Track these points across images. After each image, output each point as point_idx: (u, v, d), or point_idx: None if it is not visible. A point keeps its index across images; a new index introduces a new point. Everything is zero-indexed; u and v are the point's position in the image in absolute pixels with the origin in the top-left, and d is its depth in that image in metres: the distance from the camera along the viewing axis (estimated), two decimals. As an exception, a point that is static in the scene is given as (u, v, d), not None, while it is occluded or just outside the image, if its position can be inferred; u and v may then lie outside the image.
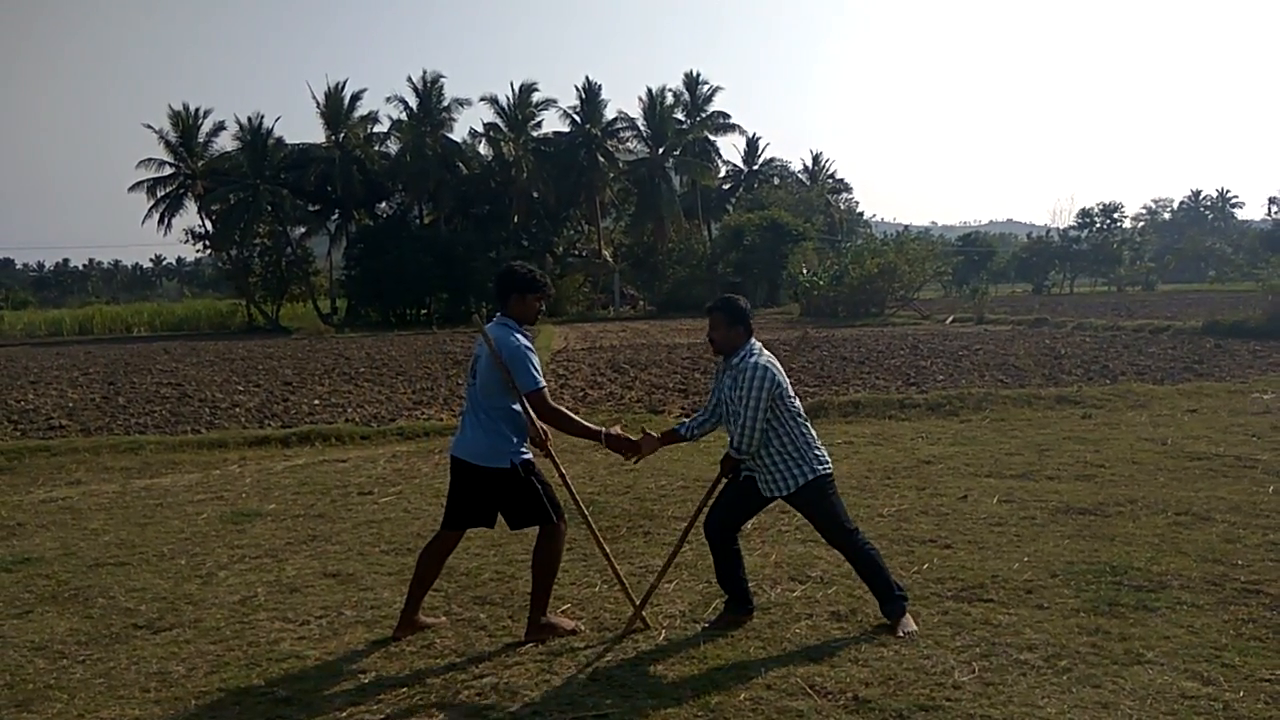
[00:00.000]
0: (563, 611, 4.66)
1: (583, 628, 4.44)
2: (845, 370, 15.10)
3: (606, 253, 51.49)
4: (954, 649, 4.01)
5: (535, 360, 4.28)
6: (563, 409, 4.37)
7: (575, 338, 27.74)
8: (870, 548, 4.37)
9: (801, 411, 4.39)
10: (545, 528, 4.35)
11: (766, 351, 4.33)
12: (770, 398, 4.19)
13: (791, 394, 4.33)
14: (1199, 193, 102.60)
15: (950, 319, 29.75)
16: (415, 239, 44.87)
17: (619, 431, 4.50)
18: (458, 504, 4.42)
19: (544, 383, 4.28)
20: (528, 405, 4.25)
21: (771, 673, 3.86)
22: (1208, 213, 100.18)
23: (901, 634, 4.15)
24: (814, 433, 4.40)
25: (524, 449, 4.33)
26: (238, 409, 13.09)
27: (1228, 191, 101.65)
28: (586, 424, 4.43)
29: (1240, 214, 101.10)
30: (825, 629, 4.32)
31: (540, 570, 4.34)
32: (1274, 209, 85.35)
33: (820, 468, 4.32)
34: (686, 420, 4.71)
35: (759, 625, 4.39)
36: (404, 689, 3.85)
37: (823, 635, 4.24)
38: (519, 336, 4.29)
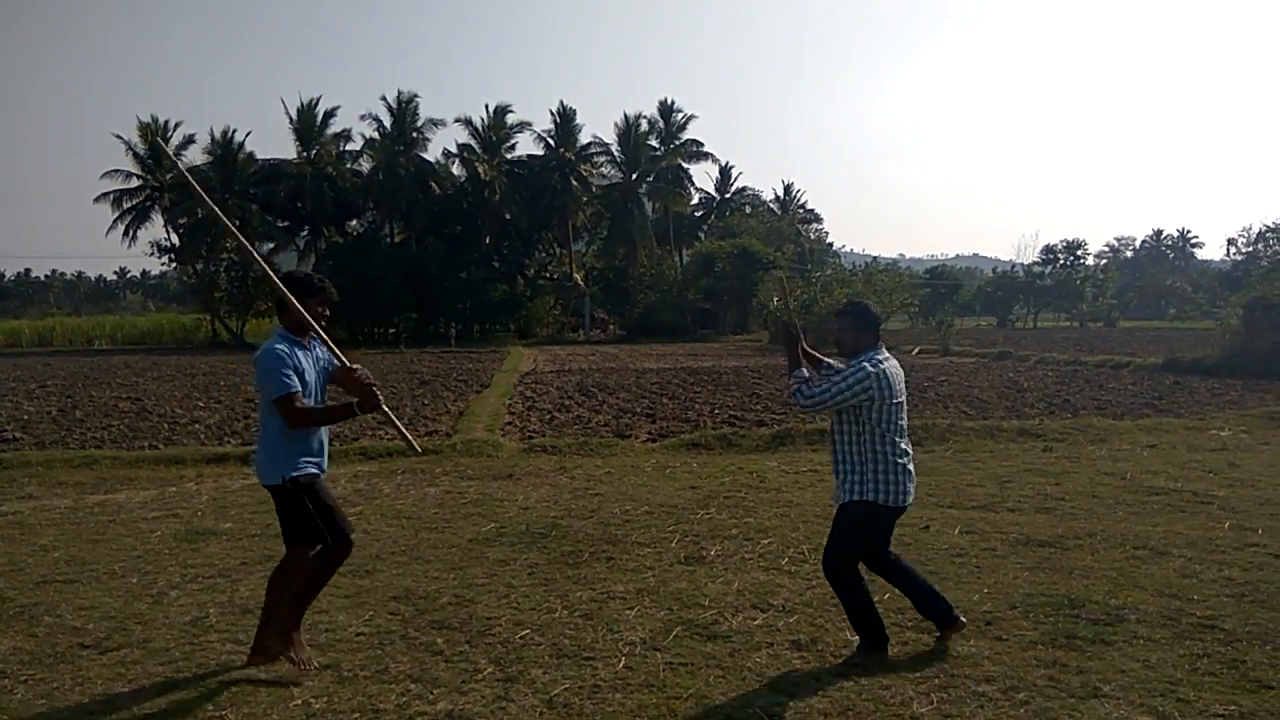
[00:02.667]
0: (521, 638, 4.60)
1: (313, 666, 4.19)
2: (812, 399, 15.15)
3: (577, 276, 51.50)
4: (913, 679, 4.00)
5: (284, 365, 4.03)
6: (308, 408, 4.09)
7: (544, 360, 27.67)
8: (852, 596, 4.30)
9: (903, 438, 4.31)
10: (293, 548, 4.22)
11: (893, 361, 4.32)
12: (863, 397, 4.15)
13: (894, 419, 4.25)
14: (1160, 232, 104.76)
15: (916, 350, 30.04)
16: (385, 258, 44.61)
17: (360, 389, 4.16)
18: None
19: (290, 388, 4.01)
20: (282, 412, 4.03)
21: (731, 702, 3.83)
22: (1169, 252, 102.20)
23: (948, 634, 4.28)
24: (900, 466, 4.26)
25: (302, 463, 4.13)
26: (197, 425, 12.89)
27: (1188, 231, 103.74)
28: (331, 408, 4.18)
29: (1200, 254, 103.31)
30: (786, 658, 4.30)
31: (273, 585, 4.21)
32: (1233, 249, 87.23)
33: (883, 497, 4.22)
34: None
35: (719, 654, 4.36)
36: (357, 715, 3.78)
37: (783, 664, 4.22)
38: (275, 343, 4.10)
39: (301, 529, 4.19)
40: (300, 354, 4.16)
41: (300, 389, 4.07)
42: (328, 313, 4.28)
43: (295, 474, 4.13)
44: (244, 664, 4.24)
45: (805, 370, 4.49)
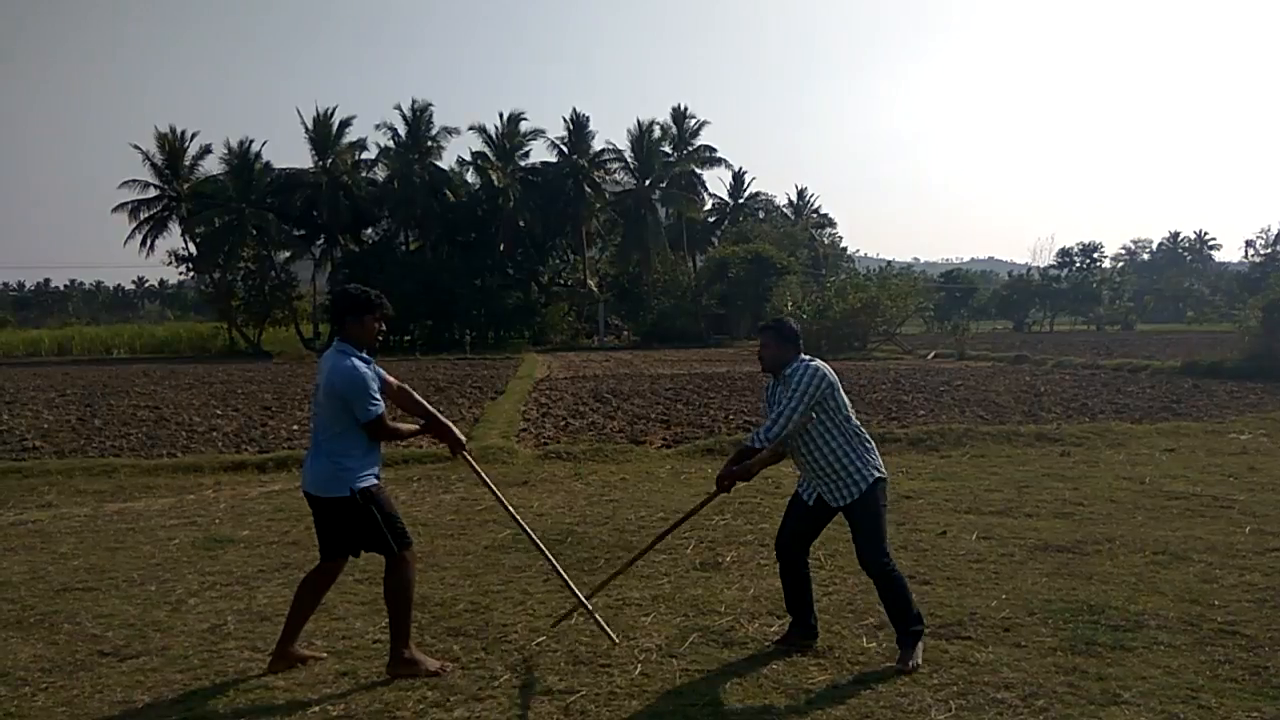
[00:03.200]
0: (537, 645, 4.61)
1: (449, 668, 4.25)
2: (827, 404, 15.11)
3: (592, 283, 51.59)
4: (931, 687, 3.98)
5: (374, 386, 4.15)
6: (396, 425, 4.27)
7: (559, 366, 27.72)
8: (899, 579, 4.35)
9: (859, 426, 4.46)
10: (390, 559, 4.25)
11: (821, 362, 4.41)
12: (817, 397, 4.25)
13: (850, 409, 4.41)
14: (1177, 234, 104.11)
15: (932, 355, 29.94)
16: (400, 265, 44.85)
17: (442, 427, 4.40)
18: (322, 535, 4.33)
19: (381, 408, 4.16)
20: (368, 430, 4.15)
21: (748, 709, 3.82)
22: (1186, 254, 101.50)
23: (905, 666, 4.16)
24: (870, 442, 4.47)
25: (366, 475, 4.18)
26: (215, 433, 12.97)
27: (1205, 233, 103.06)
28: (402, 427, 4.36)
29: (1218, 256, 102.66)
30: (802, 664, 4.28)
31: (392, 602, 4.23)
32: (1251, 251, 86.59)
33: (878, 473, 4.40)
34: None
35: (735, 660, 4.35)
36: (374, 721, 3.78)
37: (800, 671, 4.21)
38: (355, 361, 4.15)
39: (370, 539, 4.23)
40: (371, 371, 4.25)
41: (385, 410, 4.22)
42: (384, 328, 4.34)
43: (365, 485, 4.18)
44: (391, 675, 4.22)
45: (742, 444, 4.52)
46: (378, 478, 4.29)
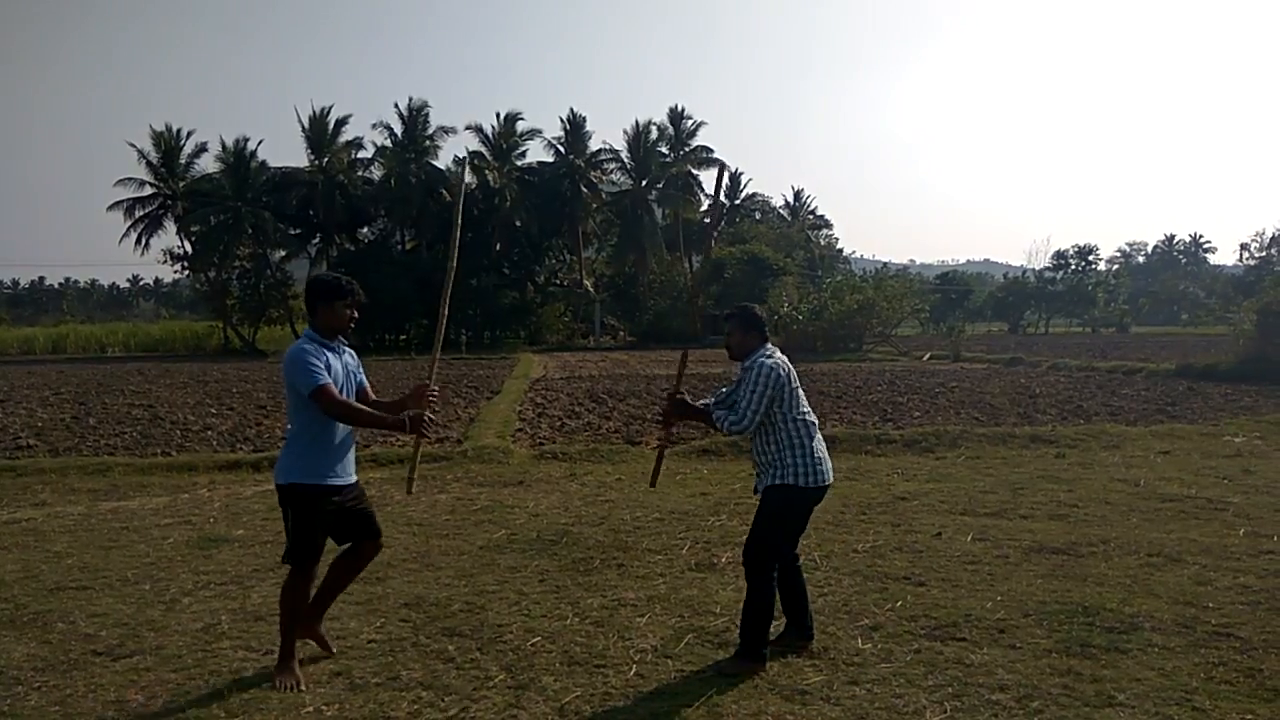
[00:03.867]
0: (532, 645, 4.60)
1: (303, 688, 4.08)
2: (822, 404, 15.13)
3: (588, 283, 51.58)
4: (926, 688, 3.98)
5: (315, 360, 4.02)
6: (350, 402, 4.12)
7: (554, 367, 27.70)
8: (763, 596, 4.27)
9: (812, 422, 4.44)
10: (286, 564, 4.26)
11: (780, 354, 4.44)
12: (774, 392, 4.27)
13: (804, 404, 4.43)
14: (1172, 237, 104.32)
15: (927, 356, 29.96)
16: (396, 265, 44.76)
17: (418, 413, 4.17)
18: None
19: (324, 379, 4.01)
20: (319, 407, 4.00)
21: (744, 710, 3.82)
22: (1181, 257, 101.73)
23: (726, 669, 4.16)
24: (812, 446, 4.37)
25: (296, 471, 4.10)
26: (209, 432, 12.94)
27: (1200, 236, 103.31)
28: (378, 413, 4.18)
29: (1213, 259, 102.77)
30: (798, 665, 4.28)
31: (281, 604, 4.25)
32: (1246, 254, 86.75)
33: (791, 479, 4.31)
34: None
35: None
36: (368, 722, 3.78)
37: (795, 672, 4.21)
38: (302, 343, 4.10)
39: (290, 535, 4.21)
40: (329, 355, 4.15)
41: (331, 381, 4.06)
42: (356, 314, 4.25)
43: (298, 481, 4.11)
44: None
45: (709, 406, 4.54)
46: (338, 485, 4.17)
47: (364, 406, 4.23)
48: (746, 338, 4.45)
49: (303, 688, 4.08)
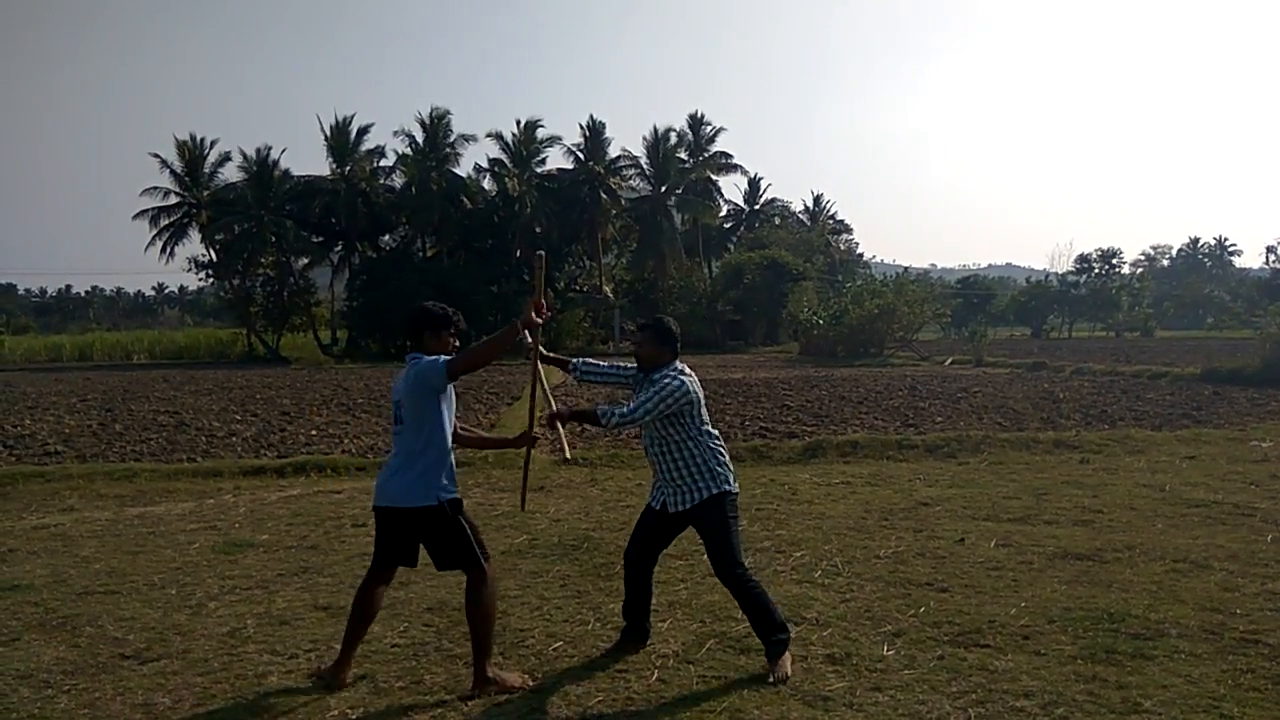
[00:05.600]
0: (554, 650, 4.62)
1: (530, 682, 4.19)
2: (844, 410, 15.08)
3: (607, 289, 51.63)
4: (950, 695, 3.96)
5: (443, 364, 4.15)
6: (470, 350, 4.16)
7: (574, 373, 27.72)
8: (756, 587, 4.32)
9: (716, 434, 4.51)
10: (472, 573, 4.20)
11: (691, 373, 4.45)
12: (674, 406, 4.29)
13: (705, 417, 4.48)
14: (1197, 240, 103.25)
15: (949, 361, 29.78)
16: (417, 272, 44.99)
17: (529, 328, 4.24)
18: (387, 548, 4.32)
19: (446, 362, 4.13)
20: (451, 369, 4.09)
21: (765, 716, 3.81)
22: (1206, 260, 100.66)
23: (773, 679, 4.12)
24: (726, 455, 4.49)
25: (452, 489, 4.23)
26: (234, 438, 13.06)
27: (1226, 239, 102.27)
28: (494, 339, 4.17)
29: (1238, 262, 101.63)
30: (820, 671, 4.27)
31: (476, 619, 4.16)
32: (1272, 257, 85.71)
33: (726, 486, 4.39)
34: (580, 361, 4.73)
35: (752, 667, 4.34)
36: (392, 725, 3.80)
37: (817, 678, 4.20)
38: (424, 357, 4.23)
39: (454, 552, 4.21)
40: None
41: None
42: (458, 343, 4.43)
43: (452, 496, 4.21)
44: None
45: (596, 406, 4.50)
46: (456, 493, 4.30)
47: (476, 347, 4.17)
48: (658, 351, 4.43)
49: (524, 685, 4.16)
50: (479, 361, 4.22)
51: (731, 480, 4.44)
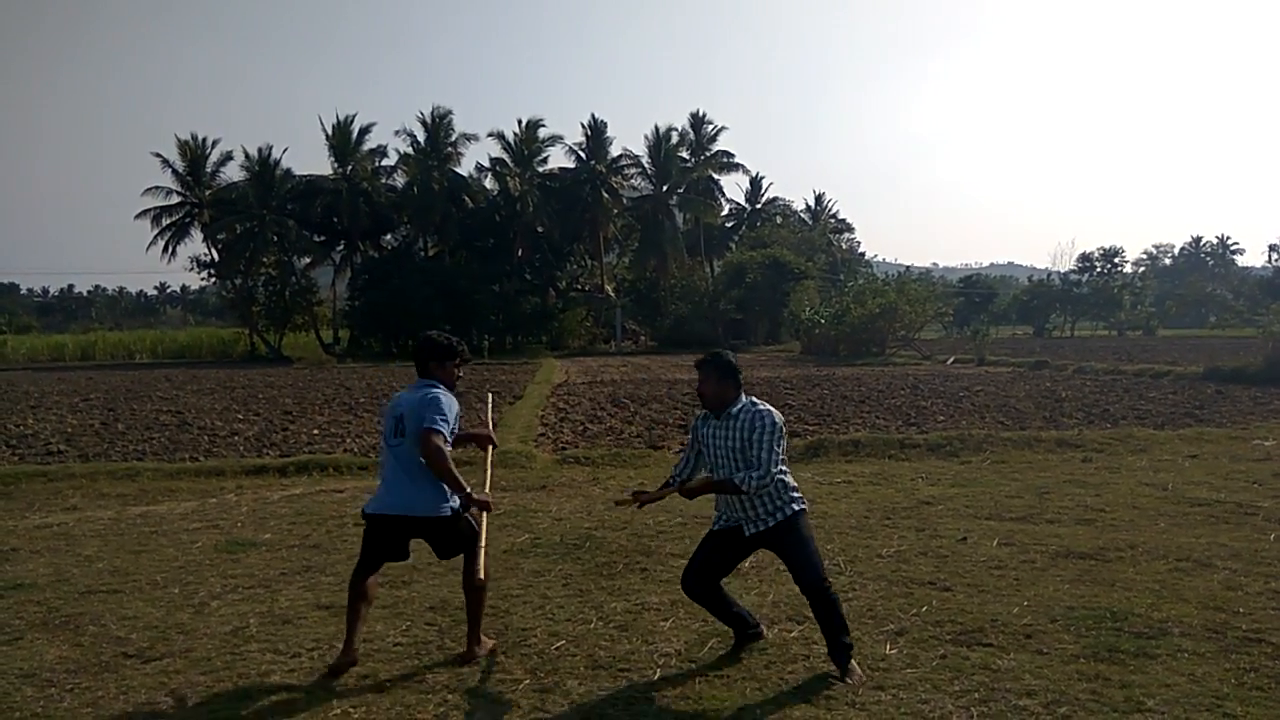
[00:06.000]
0: (556, 649, 4.62)
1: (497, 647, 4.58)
2: (846, 409, 15.08)
3: (609, 288, 51.66)
4: (952, 694, 3.96)
5: (450, 410, 4.40)
6: (447, 455, 4.31)
7: (576, 371, 27.76)
8: (837, 598, 4.33)
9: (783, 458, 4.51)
10: (471, 551, 4.52)
11: (765, 404, 4.39)
12: (781, 434, 4.29)
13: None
14: (1199, 239, 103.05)
15: (951, 360, 29.75)
16: (419, 271, 45.04)
17: (483, 497, 4.54)
18: (378, 551, 4.53)
19: (443, 429, 4.33)
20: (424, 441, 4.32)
21: (768, 715, 3.82)
22: (1208, 259, 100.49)
23: (850, 680, 4.12)
24: (791, 478, 4.47)
25: (452, 497, 4.46)
26: (236, 437, 13.07)
27: (1228, 238, 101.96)
28: (459, 478, 4.36)
29: (1241, 260, 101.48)
30: (822, 670, 4.27)
31: (476, 592, 4.51)
32: (1274, 256, 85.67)
33: (800, 506, 4.42)
34: (675, 473, 4.70)
35: (755, 666, 4.34)
36: (395, 724, 3.80)
37: (820, 677, 4.19)
38: (441, 390, 4.47)
39: (460, 545, 4.54)
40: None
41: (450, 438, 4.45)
42: (462, 373, 4.66)
43: (456, 504, 4.45)
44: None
45: (675, 480, 4.56)
46: None
47: (451, 465, 4.33)
48: (722, 387, 4.36)
49: (497, 656, 4.49)
50: (434, 466, 4.33)
51: (802, 500, 4.44)
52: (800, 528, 4.36)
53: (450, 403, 4.44)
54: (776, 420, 4.28)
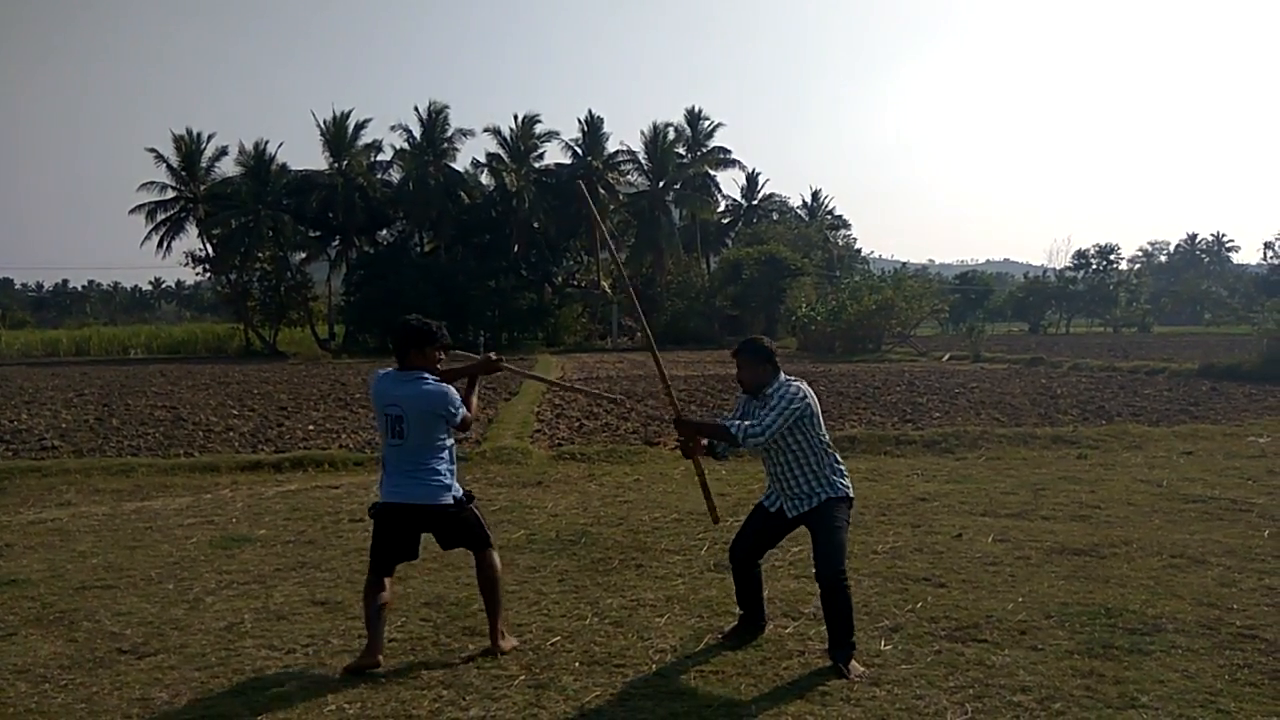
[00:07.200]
0: (551, 645, 4.62)
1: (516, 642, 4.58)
2: (841, 405, 15.09)
3: (605, 284, 51.63)
4: (947, 689, 3.97)
5: (453, 392, 4.45)
6: (471, 418, 4.57)
7: (572, 368, 27.74)
8: (850, 593, 4.34)
9: (831, 444, 4.54)
10: (480, 553, 4.55)
11: (803, 383, 4.45)
12: (801, 414, 4.31)
13: (823, 428, 4.49)
14: (1195, 236, 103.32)
15: (947, 356, 29.79)
16: (415, 267, 44.98)
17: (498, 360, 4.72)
18: (390, 547, 4.51)
19: (463, 411, 4.47)
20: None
21: (763, 711, 3.82)
22: (1203, 256, 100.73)
23: (852, 677, 4.12)
24: (843, 465, 4.56)
25: (458, 487, 4.52)
26: (231, 433, 13.05)
27: (1223, 235, 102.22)
28: (472, 374, 4.69)
29: (1236, 258, 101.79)
30: (818, 666, 4.27)
31: (487, 591, 4.54)
32: (1269, 253, 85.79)
33: (845, 492, 4.47)
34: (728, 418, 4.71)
35: (750, 662, 4.34)
36: (390, 720, 3.80)
37: (815, 672, 4.20)
38: (428, 379, 4.41)
39: (467, 536, 4.55)
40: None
41: None
42: (443, 357, 4.60)
43: (460, 493, 4.50)
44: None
45: (726, 422, 4.53)
46: None
47: (468, 397, 4.63)
48: (759, 370, 4.45)
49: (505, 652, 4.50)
50: (473, 408, 4.56)
51: (849, 488, 4.50)
52: (836, 513, 4.40)
53: (449, 389, 4.43)
54: (800, 393, 4.33)
